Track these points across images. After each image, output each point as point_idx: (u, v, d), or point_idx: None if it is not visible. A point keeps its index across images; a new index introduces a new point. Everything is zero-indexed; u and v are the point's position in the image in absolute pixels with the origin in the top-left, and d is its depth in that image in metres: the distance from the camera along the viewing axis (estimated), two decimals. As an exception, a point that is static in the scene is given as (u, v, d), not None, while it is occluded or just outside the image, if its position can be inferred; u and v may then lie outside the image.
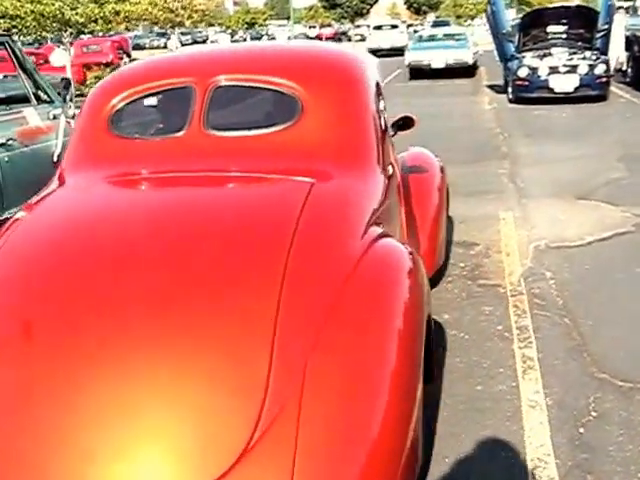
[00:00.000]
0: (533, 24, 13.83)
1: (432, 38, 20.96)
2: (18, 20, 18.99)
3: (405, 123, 3.78)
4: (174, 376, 1.89)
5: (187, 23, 28.46)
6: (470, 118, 11.22)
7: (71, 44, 21.03)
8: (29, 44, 32.73)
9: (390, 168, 3.12)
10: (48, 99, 5.16)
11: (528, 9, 23.61)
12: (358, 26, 44.62)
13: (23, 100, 5.05)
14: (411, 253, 2.56)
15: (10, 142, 4.58)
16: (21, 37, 24.63)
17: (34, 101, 5.09)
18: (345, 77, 3.03)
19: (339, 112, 2.88)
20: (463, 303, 4.07)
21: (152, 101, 3.01)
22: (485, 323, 3.77)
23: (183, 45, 32.97)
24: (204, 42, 41.41)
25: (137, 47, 41.40)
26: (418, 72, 18.74)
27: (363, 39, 38.22)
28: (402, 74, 19.57)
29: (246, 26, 39.55)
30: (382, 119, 3.16)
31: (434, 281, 4.31)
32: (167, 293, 2.08)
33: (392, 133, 3.82)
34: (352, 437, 1.86)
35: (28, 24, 19.25)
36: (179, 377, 1.89)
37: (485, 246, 5.02)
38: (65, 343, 1.99)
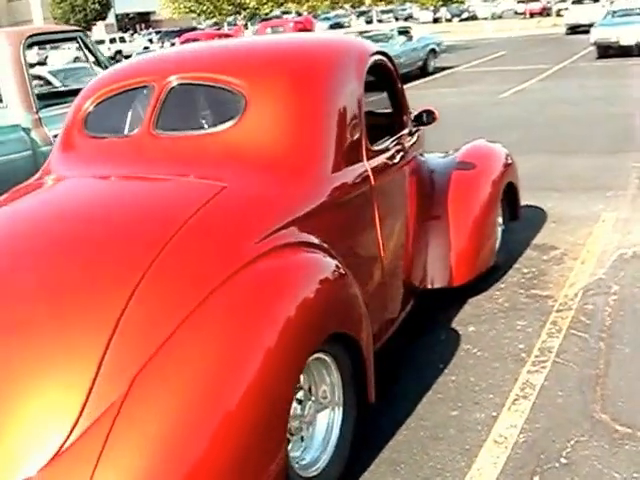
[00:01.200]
0: None
1: (625, 13, 19.01)
2: (196, 5, 20.49)
3: (427, 117, 3.47)
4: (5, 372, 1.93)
5: (367, 2, 28.33)
6: (636, 103, 10.11)
7: (263, 20, 21.92)
8: (231, 25, 35.01)
9: (362, 168, 2.85)
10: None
11: None
12: (563, 0, 41.84)
13: None
14: (337, 267, 2.38)
15: None
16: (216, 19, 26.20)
17: None
18: (296, 74, 2.80)
19: (281, 111, 2.68)
20: (499, 315, 3.69)
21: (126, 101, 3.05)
22: (508, 340, 3.40)
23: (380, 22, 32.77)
24: (406, 19, 40.98)
25: (337, 26, 42.08)
26: (606, 50, 17.17)
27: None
28: (592, 52, 18.11)
29: (441, 3, 38.52)
30: (354, 115, 2.87)
31: (479, 288, 3.97)
32: (29, 288, 2.12)
33: (414, 128, 3.54)
34: (168, 453, 1.78)
35: (205, 8, 20.66)
36: (9, 373, 1.92)
37: (564, 251, 4.51)
38: None
